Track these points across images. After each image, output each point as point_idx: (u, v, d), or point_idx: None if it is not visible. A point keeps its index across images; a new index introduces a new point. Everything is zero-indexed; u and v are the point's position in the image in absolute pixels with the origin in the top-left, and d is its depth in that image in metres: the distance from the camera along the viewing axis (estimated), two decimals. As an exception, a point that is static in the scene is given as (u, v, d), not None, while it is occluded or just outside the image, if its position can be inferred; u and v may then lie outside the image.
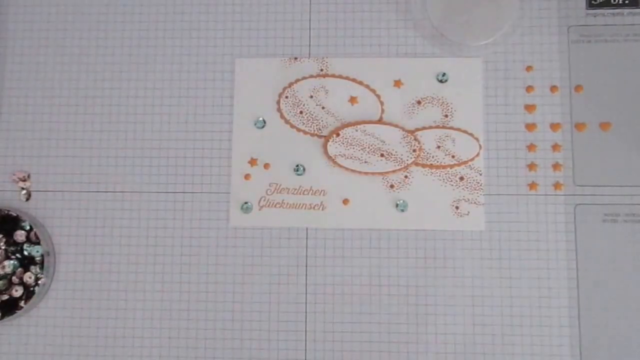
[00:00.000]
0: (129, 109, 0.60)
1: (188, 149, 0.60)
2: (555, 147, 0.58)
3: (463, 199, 0.58)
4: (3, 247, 0.58)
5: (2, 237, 0.58)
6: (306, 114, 0.59)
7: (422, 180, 0.58)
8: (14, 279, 0.58)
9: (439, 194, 0.58)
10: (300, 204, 0.59)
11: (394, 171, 0.58)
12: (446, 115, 0.59)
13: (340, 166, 0.59)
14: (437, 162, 0.58)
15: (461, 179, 0.58)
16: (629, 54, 0.58)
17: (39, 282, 0.58)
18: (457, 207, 0.58)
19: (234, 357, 0.57)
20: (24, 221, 0.58)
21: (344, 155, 0.59)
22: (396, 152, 0.58)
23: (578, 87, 0.59)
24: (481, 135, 0.59)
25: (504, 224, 0.58)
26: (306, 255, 0.58)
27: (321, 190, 0.59)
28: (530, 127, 0.59)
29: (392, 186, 0.58)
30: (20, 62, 0.61)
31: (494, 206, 0.58)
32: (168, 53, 0.61)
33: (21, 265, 0.58)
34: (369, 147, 0.59)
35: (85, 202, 0.59)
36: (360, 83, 0.59)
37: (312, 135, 0.59)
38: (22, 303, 0.57)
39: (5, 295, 0.57)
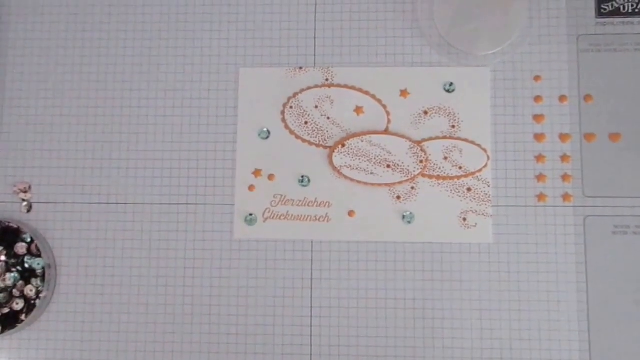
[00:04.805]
0: (132, 119, 0.62)
1: (192, 160, 0.61)
2: (564, 158, 0.60)
3: (471, 211, 0.59)
4: (4, 260, 0.59)
5: (3, 249, 0.60)
6: (311, 124, 0.61)
7: (429, 192, 0.60)
8: (15, 292, 0.59)
9: (446, 206, 0.60)
10: (305, 216, 0.60)
11: (400, 182, 0.60)
12: (453, 126, 0.60)
13: (346, 177, 0.60)
14: (444, 173, 0.60)
15: (469, 190, 0.60)
16: (639, 64, 0.60)
17: (40, 295, 0.59)
18: (464, 219, 0.59)
19: (238, 371, 0.59)
20: (25, 233, 0.60)
21: (350, 166, 0.60)
22: (403, 163, 0.60)
23: (587, 97, 0.60)
24: (489, 145, 0.60)
25: (512, 236, 0.59)
26: (311, 268, 0.59)
27: (326, 202, 0.60)
28: (539, 137, 0.60)
29: (398, 198, 0.60)
30: (21, 73, 0.63)
31: (502, 218, 0.59)
32: (171, 63, 0.62)
33: (22, 278, 0.59)
34: (375, 158, 0.60)
35: (87, 213, 0.61)
36: (366, 93, 0.61)
37: (317, 146, 0.61)
38: (23, 316, 0.59)
39: (6, 309, 0.59)
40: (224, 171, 0.61)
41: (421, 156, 0.60)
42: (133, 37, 0.63)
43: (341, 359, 0.58)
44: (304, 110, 0.61)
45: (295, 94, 0.61)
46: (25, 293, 0.59)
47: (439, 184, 0.60)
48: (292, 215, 0.60)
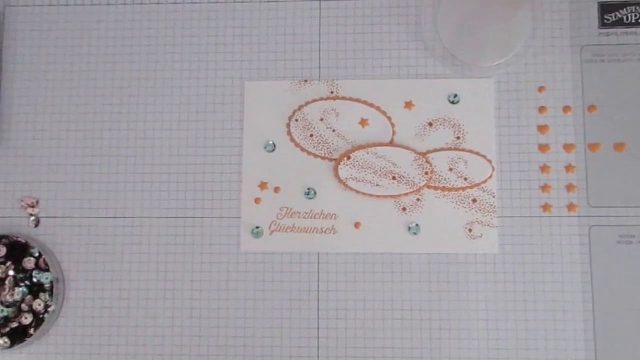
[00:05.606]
0: (138, 133, 0.62)
1: (198, 173, 0.62)
2: (568, 168, 0.60)
3: (476, 222, 0.60)
4: (12, 274, 0.60)
5: (11, 264, 0.60)
6: (316, 136, 0.61)
7: (434, 203, 0.60)
8: (23, 306, 0.60)
9: (452, 217, 0.60)
10: (311, 228, 0.60)
11: (406, 194, 0.60)
12: (458, 137, 0.61)
13: (352, 189, 0.61)
14: (450, 184, 0.60)
15: (474, 201, 0.60)
16: (643, 74, 0.60)
17: (49, 309, 0.59)
18: (470, 230, 0.60)
19: (246, 383, 0.59)
20: (32, 248, 0.60)
21: (355, 178, 0.61)
22: (408, 174, 0.60)
23: (591, 107, 0.60)
24: (494, 156, 0.60)
25: (517, 246, 0.59)
26: (318, 280, 0.60)
27: (332, 214, 0.61)
28: (543, 148, 0.60)
29: (404, 209, 0.60)
30: (28, 87, 0.64)
31: (508, 228, 0.60)
32: (177, 77, 0.63)
33: (30, 292, 0.60)
34: (380, 170, 0.61)
35: (95, 227, 0.61)
36: (371, 105, 0.61)
37: (323, 158, 0.61)
38: (31, 330, 0.59)
39: (14, 323, 0.59)
40: (230, 184, 0.61)
41: (426, 167, 0.60)
42: (139, 51, 0.64)
43: (348, 370, 0.59)
44: (309, 123, 0.62)
45: (300, 107, 0.62)
46: (34, 307, 0.59)
47: (444, 195, 0.60)
48: (298, 228, 0.61)
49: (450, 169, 0.60)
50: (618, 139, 0.60)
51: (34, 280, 0.60)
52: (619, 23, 0.61)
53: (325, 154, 0.61)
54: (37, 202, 0.62)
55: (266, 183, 0.61)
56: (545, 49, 0.61)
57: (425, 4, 0.62)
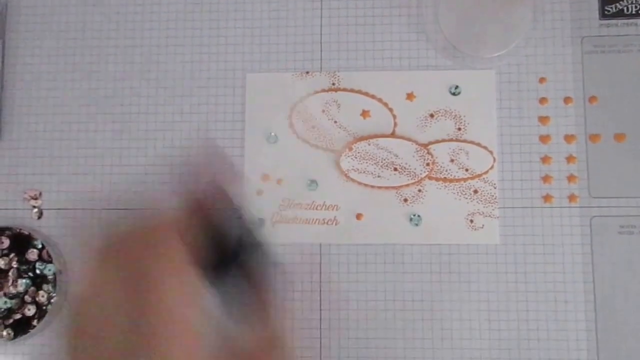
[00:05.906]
0: (140, 125, 0.63)
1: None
2: (569, 158, 0.60)
3: (477, 212, 0.60)
4: (15, 266, 0.60)
5: (15, 255, 0.60)
6: (318, 128, 0.62)
7: (436, 194, 0.60)
8: (27, 297, 0.60)
9: (453, 208, 0.60)
10: (313, 219, 0.61)
11: (407, 185, 0.61)
12: (459, 128, 0.61)
13: (354, 181, 0.61)
14: (451, 175, 0.61)
15: (475, 192, 0.60)
16: (643, 64, 0.61)
17: (52, 300, 0.60)
18: (471, 221, 0.60)
19: (249, 374, 0.59)
20: (36, 240, 0.60)
21: (357, 169, 0.61)
22: (409, 165, 0.61)
23: (592, 98, 0.61)
24: (495, 147, 0.61)
25: (518, 237, 0.60)
26: (320, 271, 0.60)
27: (334, 206, 0.61)
28: (544, 139, 0.61)
29: (405, 200, 0.61)
30: (30, 80, 0.64)
31: (509, 219, 0.60)
32: (179, 69, 0.63)
33: (34, 284, 0.60)
34: (382, 161, 0.61)
35: (97, 220, 0.62)
36: (373, 97, 0.62)
37: (325, 149, 0.61)
38: (35, 322, 0.60)
39: (18, 315, 0.60)
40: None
41: (428, 159, 0.61)
42: (141, 44, 0.64)
43: (351, 360, 0.59)
44: (311, 115, 0.62)
45: (302, 99, 0.62)
46: (37, 299, 0.60)
47: (446, 186, 0.61)
48: (300, 219, 0.61)
49: (452, 160, 0.61)
50: (619, 129, 0.60)
51: (37, 272, 0.60)
52: (620, 14, 0.61)
53: (327, 145, 0.62)
54: (40, 194, 0.62)
55: (268, 175, 0.61)
56: (546, 40, 0.62)
57: (427, -5, 0.63)
